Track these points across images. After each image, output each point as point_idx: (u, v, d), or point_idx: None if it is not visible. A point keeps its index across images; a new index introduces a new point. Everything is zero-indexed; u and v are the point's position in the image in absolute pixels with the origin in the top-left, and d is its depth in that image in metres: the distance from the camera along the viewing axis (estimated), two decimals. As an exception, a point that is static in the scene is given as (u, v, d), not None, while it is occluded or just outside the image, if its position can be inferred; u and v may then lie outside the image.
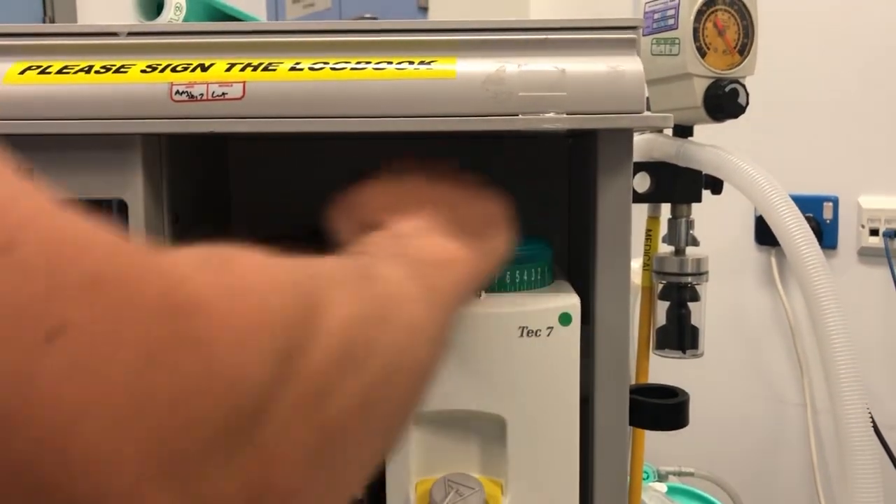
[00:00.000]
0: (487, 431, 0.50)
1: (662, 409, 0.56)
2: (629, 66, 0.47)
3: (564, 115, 0.46)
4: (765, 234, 1.32)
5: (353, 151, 0.67)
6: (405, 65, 0.48)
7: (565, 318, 0.49)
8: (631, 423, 0.55)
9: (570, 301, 0.49)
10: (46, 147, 0.47)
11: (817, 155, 1.32)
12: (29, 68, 0.48)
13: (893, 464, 1.22)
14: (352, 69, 0.47)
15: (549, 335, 0.49)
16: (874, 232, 1.27)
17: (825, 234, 1.32)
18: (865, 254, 1.29)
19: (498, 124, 0.46)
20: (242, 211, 0.70)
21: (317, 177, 0.67)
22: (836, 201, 1.31)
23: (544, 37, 0.48)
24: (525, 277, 0.51)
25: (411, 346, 0.33)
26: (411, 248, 0.41)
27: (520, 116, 0.46)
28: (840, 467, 0.59)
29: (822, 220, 1.32)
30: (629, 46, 0.48)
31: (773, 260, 1.35)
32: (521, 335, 0.49)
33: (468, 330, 0.49)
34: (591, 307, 0.52)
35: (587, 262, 0.54)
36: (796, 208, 0.63)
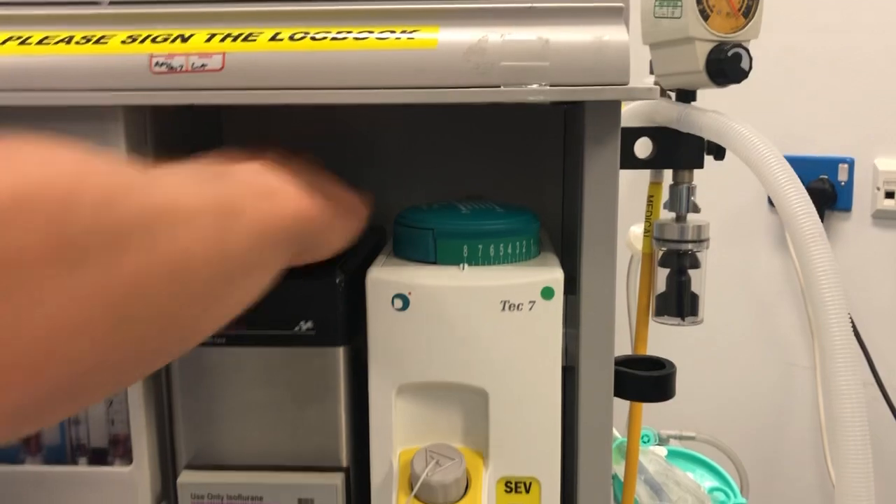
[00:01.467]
0: (470, 403, 0.50)
1: (647, 380, 0.56)
2: (615, 36, 0.46)
3: (547, 87, 0.46)
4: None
5: (357, 119, 0.67)
6: (387, 34, 0.47)
7: (547, 293, 0.48)
8: (616, 395, 0.55)
9: (553, 275, 0.49)
10: (28, 119, 0.47)
11: (834, 116, 1.29)
12: (9, 38, 0.48)
13: (901, 427, 1.22)
14: (332, 39, 0.47)
15: (530, 309, 0.48)
16: (889, 194, 1.25)
17: (840, 196, 1.30)
18: (880, 216, 1.27)
19: (480, 96, 0.46)
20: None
21: (321, 147, 0.67)
22: (851, 163, 1.29)
23: (529, 5, 0.47)
24: (509, 250, 0.51)
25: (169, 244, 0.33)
26: (231, 174, 0.42)
27: (501, 88, 0.46)
28: (831, 442, 0.59)
29: (836, 181, 1.30)
30: (616, 15, 0.47)
31: (786, 223, 1.33)
32: (503, 309, 0.48)
33: (451, 303, 0.49)
34: (578, 277, 0.52)
35: (574, 233, 0.53)
36: (797, 178, 0.62)
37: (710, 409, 1.34)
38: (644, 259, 0.75)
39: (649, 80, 0.76)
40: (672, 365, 0.58)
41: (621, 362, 0.56)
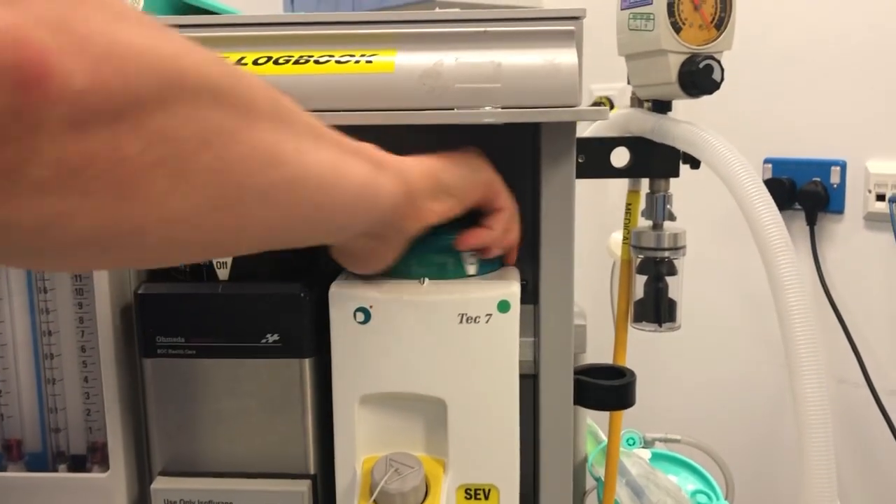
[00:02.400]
0: (430, 412, 0.52)
1: (606, 390, 0.57)
2: (565, 58, 0.47)
3: (500, 110, 0.47)
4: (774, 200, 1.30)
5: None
6: (346, 58, 0.49)
7: (503, 306, 0.50)
8: (577, 403, 0.57)
9: (510, 289, 0.50)
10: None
11: (827, 119, 1.29)
12: None
13: (892, 430, 1.22)
14: (294, 63, 0.49)
15: (487, 322, 0.50)
16: (881, 197, 1.25)
17: (832, 199, 1.31)
18: (871, 219, 1.27)
19: (435, 118, 0.47)
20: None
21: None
22: (843, 165, 1.29)
23: (483, 29, 0.49)
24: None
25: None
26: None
27: (455, 110, 0.47)
28: (797, 448, 0.60)
29: (829, 184, 1.30)
30: (567, 39, 0.48)
31: (780, 225, 1.34)
32: (461, 321, 0.50)
33: (411, 316, 0.50)
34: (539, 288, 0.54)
35: (534, 247, 0.55)
36: (766, 191, 0.63)
37: (699, 412, 1.35)
38: (623, 266, 0.76)
39: (628, 90, 0.77)
40: (632, 374, 0.59)
41: (582, 371, 0.58)
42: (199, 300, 0.52)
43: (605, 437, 0.97)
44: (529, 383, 0.56)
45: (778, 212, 0.62)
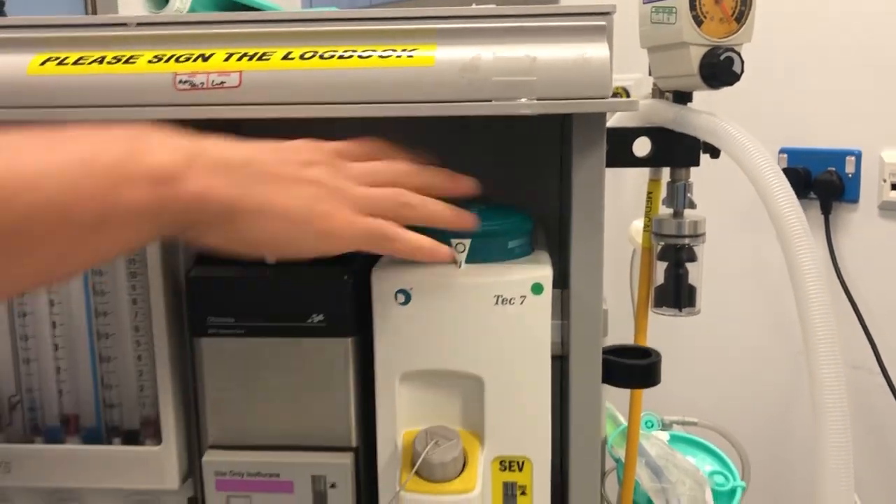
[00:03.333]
0: (467, 388, 0.55)
1: (634, 368, 0.60)
2: (596, 52, 0.50)
3: (535, 101, 0.50)
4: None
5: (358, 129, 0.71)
6: (388, 52, 0.51)
7: (537, 288, 0.53)
8: (605, 381, 0.59)
9: (543, 272, 0.53)
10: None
11: (842, 109, 1.31)
12: (49, 59, 0.53)
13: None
14: (339, 57, 0.51)
15: (521, 303, 0.53)
16: (895, 186, 1.27)
17: (847, 189, 1.32)
18: (886, 208, 1.29)
19: (473, 109, 0.50)
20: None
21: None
22: (858, 155, 1.31)
23: (519, 24, 0.51)
24: (504, 249, 0.55)
25: None
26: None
27: (493, 102, 0.50)
28: (814, 430, 0.62)
29: (844, 174, 1.32)
30: (599, 33, 0.51)
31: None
32: (497, 303, 0.53)
33: (449, 298, 0.53)
34: (569, 274, 0.56)
35: (565, 234, 0.57)
36: (785, 179, 0.65)
37: (716, 397, 1.37)
38: (644, 253, 0.78)
39: (649, 82, 0.80)
40: (658, 354, 0.62)
41: (610, 351, 0.60)
42: (247, 282, 0.55)
43: (623, 420, 1.00)
44: (557, 364, 0.58)
45: (797, 200, 0.65)
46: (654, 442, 0.96)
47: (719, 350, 1.44)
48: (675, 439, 1.01)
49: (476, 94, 0.50)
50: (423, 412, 0.55)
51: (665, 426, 1.03)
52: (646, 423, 1.01)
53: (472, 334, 0.53)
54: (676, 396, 1.11)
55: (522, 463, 0.55)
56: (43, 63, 0.53)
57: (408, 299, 0.53)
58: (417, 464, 0.52)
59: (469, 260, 0.54)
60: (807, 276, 0.65)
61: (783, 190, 0.65)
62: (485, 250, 0.54)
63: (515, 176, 0.74)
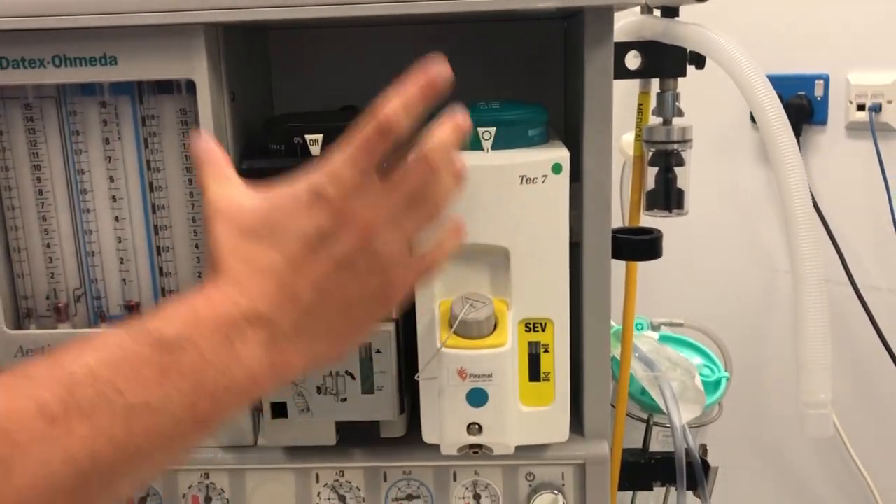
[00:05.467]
0: (495, 260, 0.62)
1: (639, 243, 0.67)
2: (608, -48, 0.56)
3: (553, -4, 0.56)
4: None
5: (376, 39, 0.77)
6: (417, -45, 0.57)
7: (557, 168, 0.60)
8: (614, 257, 0.67)
9: (562, 154, 0.60)
10: (132, 36, 0.58)
11: (810, 34, 1.39)
12: (110, -30, 0.58)
13: (873, 324, 1.35)
14: (374, -39, 0.57)
15: (543, 182, 0.60)
16: (861, 107, 1.35)
17: (816, 111, 1.41)
18: (853, 128, 1.38)
19: (495, 5, 0.56)
20: (281, 92, 0.80)
21: (345, 63, 0.77)
22: (826, 79, 1.39)
23: (536, -72, 0.57)
24: (525, 136, 0.62)
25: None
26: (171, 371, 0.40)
27: (517, -2, 0.56)
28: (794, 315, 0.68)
29: (813, 97, 1.40)
30: (608, -64, 0.57)
31: (767, 137, 1.44)
32: (521, 182, 0.60)
33: (478, 178, 0.60)
34: (581, 166, 0.63)
35: (577, 126, 0.64)
36: (770, 85, 0.71)
37: (697, 305, 1.46)
38: (635, 161, 0.85)
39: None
40: (659, 231, 0.70)
41: (617, 231, 0.68)
42: (296, 174, 0.61)
43: (614, 324, 1.08)
44: (572, 250, 0.65)
45: (783, 109, 0.71)
46: (645, 340, 1.04)
47: (698, 262, 1.53)
48: (664, 338, 1.09)
49: (499, -9, 0.56)
50: (456, 283, 0.62)
51: (654, 327, 1.12)
52: (636, 325, 1.09)
53: (500, 210, 0.60)
54: (664, 306, 1.19)
55: (545, 324, 0.62)
56: (105, -27, 0.58)
57: (442, 181, 0.60)
58: (456, 324, 0.59)
59: (494, 147, 0.61)
60: (789, 169, 0.71)
61: (770, 100, 0.71)
62: (508, 137, 0.61)
63: (521, 85, 0.80)
